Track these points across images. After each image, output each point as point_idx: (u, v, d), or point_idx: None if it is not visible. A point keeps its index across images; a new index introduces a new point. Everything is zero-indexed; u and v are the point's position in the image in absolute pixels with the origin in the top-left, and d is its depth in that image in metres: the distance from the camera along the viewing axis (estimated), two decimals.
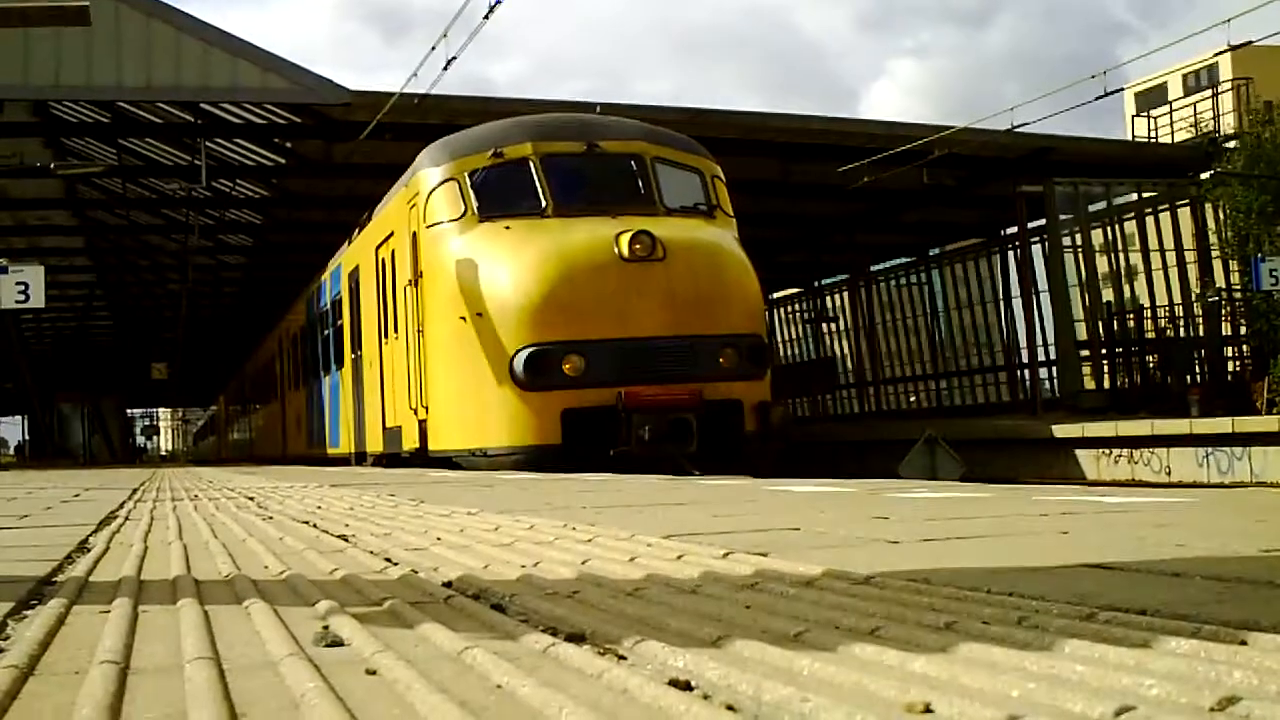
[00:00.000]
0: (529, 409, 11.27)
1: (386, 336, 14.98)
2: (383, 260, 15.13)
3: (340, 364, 18.96)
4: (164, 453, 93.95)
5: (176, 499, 7.01)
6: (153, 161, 26.82)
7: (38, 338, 48.41)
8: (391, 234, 14.47)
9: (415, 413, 13.17)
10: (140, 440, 79.34)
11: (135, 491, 8.34)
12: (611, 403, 10.96)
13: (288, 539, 3.83)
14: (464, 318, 11.79)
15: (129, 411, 72.05)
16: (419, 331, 12.93)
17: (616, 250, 11.22)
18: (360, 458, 17.27)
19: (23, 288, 18.90)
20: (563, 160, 12.41)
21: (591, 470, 9.62)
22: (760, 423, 11.71)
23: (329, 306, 20.27)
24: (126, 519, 5.13)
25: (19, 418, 56.81)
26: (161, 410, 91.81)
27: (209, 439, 73.02)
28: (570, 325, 11.24)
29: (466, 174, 12.36)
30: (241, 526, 4.47)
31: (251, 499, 6.70)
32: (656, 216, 12.00)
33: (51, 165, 22.25)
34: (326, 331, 20.59)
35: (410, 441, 13.49)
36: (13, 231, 29.89)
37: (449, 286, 12.13)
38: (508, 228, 11.92)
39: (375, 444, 15.92)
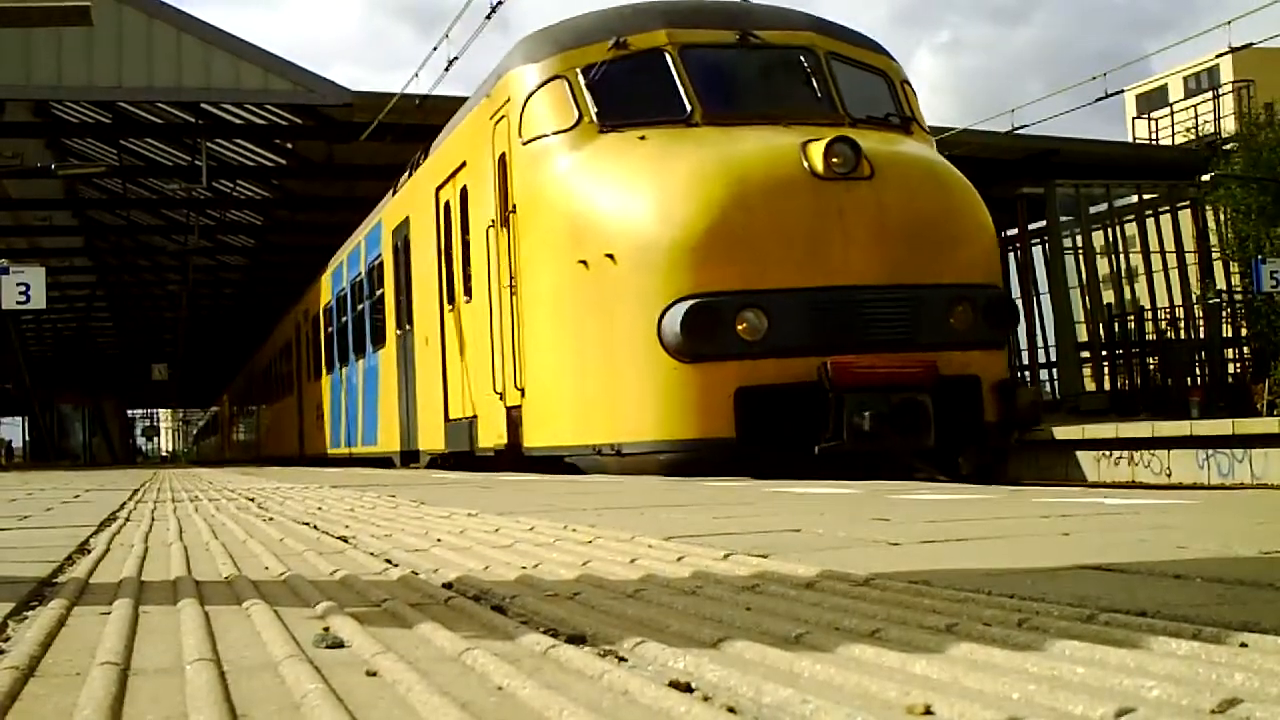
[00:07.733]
0: (687, 388, 8.33)
1: (453, 301, 11.98)
2: (446, 203, 12.10)
3: (380, 344, 15.88)
4: (164, 454, 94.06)
5: (177, 500, 7.01)
6: (153, 162, 26.87)
7: (38, 338, 48.50)
8: (463, 164, 11.44)
9: (502, 397, 10.15)
10: (140, 441, 79.49)
11: (136, 493, 8.34)
12: (810, 378, 8.07)
13: (288, 540, 3.83)
14: (584, 262, 8.86)
15: (129, 412, 72.19)
16: (510, 287, 9.92)
17: (806, 164, 8.37)
18: (409, 457, 14.28)
19: (24, 288, 18.97)
20: (709, 53, 9.64)
21: (785, 476, 7.13)
22: (1003, 409, 8.85)
23: (364, 276, 17.10)
24: (127, 520, 5.13)
25: (19, 419, 56.89)
26: (162, 411, 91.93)
27: (211, 439, 72.57)
28: (745, 268, 8.34)
29: (579, 70, 9.44)
30: (242, 528, 4.47)
31: (252, 500, 6.70)
32: (841, 127, 9.03)
33: (52, 166, 22.33)
34: (360, 306, 17.45)
35: (493, 436, 10.56)
36: (13, 232, 29.96)
37: (560, 221, 9.30)
38: (643, 138, 9.11)
39: (433, 440, 12.92)
